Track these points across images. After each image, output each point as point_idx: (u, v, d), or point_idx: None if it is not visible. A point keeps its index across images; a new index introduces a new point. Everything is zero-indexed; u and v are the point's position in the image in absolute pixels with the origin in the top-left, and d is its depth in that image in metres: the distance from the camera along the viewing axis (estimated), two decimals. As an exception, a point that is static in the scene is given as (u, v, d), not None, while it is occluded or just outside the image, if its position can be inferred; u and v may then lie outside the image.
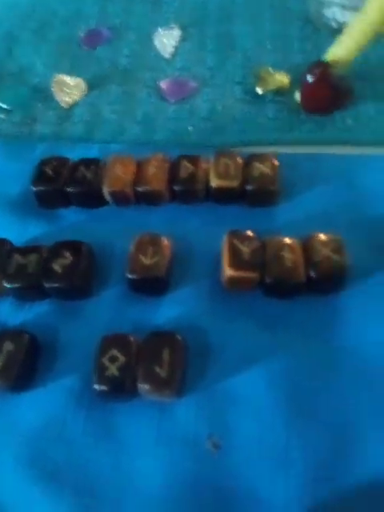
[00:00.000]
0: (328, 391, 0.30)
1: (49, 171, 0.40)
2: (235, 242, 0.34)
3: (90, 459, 0.29)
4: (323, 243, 0.33)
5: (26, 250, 0.35)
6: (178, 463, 0.28)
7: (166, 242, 0.35)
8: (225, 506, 0.27)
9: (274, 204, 0.39)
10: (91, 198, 0.39)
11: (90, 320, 0.34)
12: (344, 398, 0.29)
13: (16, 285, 0.34)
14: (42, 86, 0.51)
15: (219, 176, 0.38)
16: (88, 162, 0.40)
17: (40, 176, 0.40)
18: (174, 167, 0.39)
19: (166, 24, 0.56)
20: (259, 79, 0.48)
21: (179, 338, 0.30)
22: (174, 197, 0.39)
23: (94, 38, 0.56)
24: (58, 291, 0.34)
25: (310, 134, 0.44)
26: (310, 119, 0.44)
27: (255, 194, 0.38)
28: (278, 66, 0.49)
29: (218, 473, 0.28)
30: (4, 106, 0.49)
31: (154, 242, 0.35)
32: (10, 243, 0.36)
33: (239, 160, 0.39)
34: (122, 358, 0.30)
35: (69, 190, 0.39)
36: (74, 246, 0.35)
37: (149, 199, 0.39)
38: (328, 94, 0.44)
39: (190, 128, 0.45)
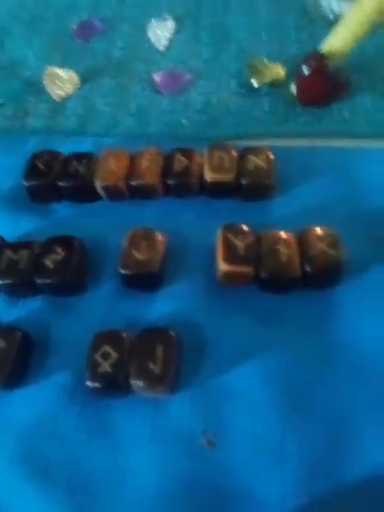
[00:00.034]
0: (324, 386, 0.29)
1: (40, 165, 0.39)
2: (230, 236, 0.33)
3: (83, 456, 0.28)
4: (319, 237, 0.33)
5: (17, 246, 0.35)
6: (172, 460, 0.28)
7: (159, 236, 0.34)
8: (220, 502, 0.27)
9: (270, 198, 0.38)
10: (84, 192, 0.39)
11: (83, 316, 0.34)
12: (340, 392, 0.29)
13: (7, 281, 0.34)
14: (34, 79, 0.50)
15: (213, 169, 0.37)
16: (80, 156, 0.39)
17: (31, 170, 0.39)
18: (167, 161, 0.39)
19: (159, 15, 0.55)
20: (254, 71, 0.47)
21: (172, 333, 0.30)
22: (168, 191, 0.39)
23: (86, 30, 0.55)
24: (50, 287, 0.34)
25: (306, 126, 0.43)
26: (306, 111, 0.44)
27: (250, 188, 0.37)
28: (273, 58, 0.48)
29: (213, 469, 0.27)
30: (-4, 100, 0.48)
31: (148, 236, 0.34)
32: (2, 239, 0.36)
33: (234, 153, 0.38)
34: (114, 355, 0.29)
35: (61, 184, 0.38)
36: (66, 242, 0.35)
37: (142, 193, 0.39)
38: (324, 85, 0.44)
39: (184, 121, 0.45)
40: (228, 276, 0.33)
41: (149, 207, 0.39)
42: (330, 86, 0.44)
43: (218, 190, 0.38)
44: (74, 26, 0.55)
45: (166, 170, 0.38)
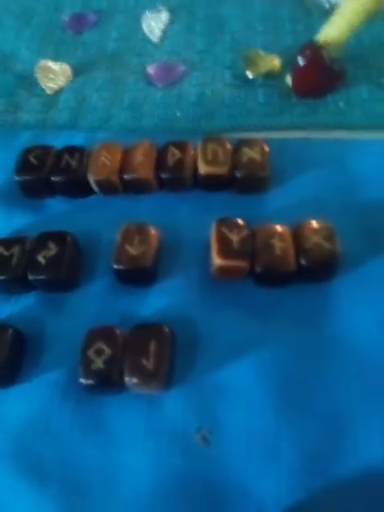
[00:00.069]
0: (319, 381, 0.29)
1: (33, 160, 0.38)
2: (224, 230, 0.33)
3: (76, 453, 0.28)
4: (314, 230, 0.32)
5: (9, 242, 0.34)
6: (166, 456, 0.28)
7: (153, 231, 0.34)
8: (214, 498, 0.26)
9: (265, 190, 0.38)
10: (77, 186, 0.38)
11: (77, 312, 0.33)
12: (335, 387, 0.29)
13: (0, 277, 0.33)
14: (26, 73, 0.49)
15: (207, 162, 0.37)
16: (73, 150, 0.39)
17: (23, 165, 0.38)
18: (161, 154, 0.38)
19: (153, 7, 0.54)
20: (249, 62, 0.47)
21: (166, 329, 0.30)
22: (162, 185, 0.38)
23: (79, 22, 0.54)
24: (43, 283, 0.33)
25: (302, 117, 0.42)
26: (302, 103, 0.43)
27: (245, 181, 0.37)
28: (268, 49, 0.48)
29: (208, 465, 0.27)
30: (-13, 95, 0.48)
31: (141, 231, 0.34)
32: (-6, 234, 0.36)
33: (228, 146, 0.38)
34: (107, 351, 0.29)
35: (53, 178, 0.38)
36: (59, 237, 0.34)
37: (136, 187, 0.38)
38: (320, 76, 0.43)
39: (178, 114, 0.44)
40: (222, 270, 0.32)
41: (142, 201, 0.38)
42: (325, 77, 0.43)
43: (212, 183, 0.38)
44: (66, 18, 0.55)
45: (160, 164, 0.37)
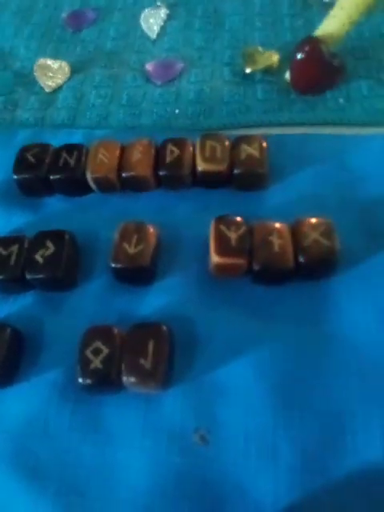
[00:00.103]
0: (318, 379, 0.29)
1: (30, 158, 0.38)
2: (222, 227, 0.33)
3: (74, 453, 0.28)
4: (313, 227, 0.32)
5: (7, 241, 0.34)
6: (164, 456, 0.28)
7: (151, 229, 0.34)
8: (213, 498, 0.26)
9: (263, 187, 0.37)
10: (75, 185, 0.38)
11: (75, 312, 0.33)
12: (334, 385, 0.29)
13: (-2, 277, 0.33)
14: (25, 71, 0.49)
15: (205, 160, 0.36)
16: (70, 148, 0.39)
17: (21, 163, 0.38)
18: (159, 152, 0.38)
19: (152, 3, 0.54)
20: (248, 59, 0.46)
21: (164, 328, 0.30)
22: (160, 182, 0.38)
23: (78, 20, 0.54)
24: (41, 282, 0.33)
25: (301, 114, 0.42)
26: (301, 99, 0.43)
27: (243, 178, 0.36)
28: (267, 45, 0.47)
29: (206, 465, 0.27)
30: (-15, 93, 0.48)
31: (139, 229, 0.34)
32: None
33: (226, 143, 0.37)
34: (105, 351, 0.29)
35: (51, 177, 0.38)
36: (57, 236, 0.34)
37: (134, 185, 0.38)
38: (318, 71, 0.43)
39: (176, 111, 0.44)
40: (220, 268, 0.32)
41: (141, 199, 0.38)
42: (324, 72, 0.43)
43: (210, 181, 0.37)
44: (65, 15, 0.54)
45: (158, 162, 0.37)
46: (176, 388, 0.29)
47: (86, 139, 0.41)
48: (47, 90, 0.47)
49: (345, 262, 0.32)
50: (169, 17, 0.53)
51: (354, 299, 0.32)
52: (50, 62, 0.49)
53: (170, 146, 0.38)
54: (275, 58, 0.46)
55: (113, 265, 0.32)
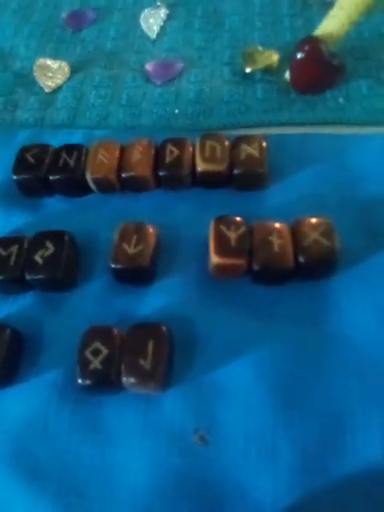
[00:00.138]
0: (318, 379, 0.29)
1: (30, 159, 0.38)
2: (222, 228, 0.32)
3: (74, 453, 0.28)
4: (312, 227, 0.32)
5: (7, 241, 0.34)
6: (164, 456, 0.28)
7: (151, 229, 0.34)
8: (212, 498, 0.26)
9: (263, 187, 0.37)
10: (75, 185, 0.38)
11: (75, 312, 0.33)
12: (334, 385, 0.29)
13: (-3, 277, 0.33)
14: (25, 71, 0.49)
15: (205, 160, 0.36)
16: (70, 149, 0.39)
17: (21, 164, 0.38)
18: (159, 152, 0.38)
19: (151, 3, 0.54)
20: (248, 58, 0.46)
21: (164, 329, 0.30)
22: (160, 183, 0.38)
23: (77, 20, 0.54)
24: (41, 283, 0.33)
25: (301, 113, 0.42)
26: (300, 99, 0.43)
27: (243, 178, 0.36)
28: (267, 45, 0.47)
29: (205, 465, 0.27)
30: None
31: (139, 230, 0.34)
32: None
33: (226, 142, 0.37)
34: (105, 351, 0.29)
35: (51, 177, 0.38)
36: (57, 236, 0.34)
37: (134, 186, 0.38)
38: (318, 71, 0.43)
39: (176, 111, 0.44)
40: (220, 268, 0.32)
41: (140, 200, 0.38)
42: (324, 72, 0.43)
43: (210, 181, 0.37)
44: (65, 15, 0.54)
45: (158, 162, 0.37)
46: (175, 388, 0.29)
47: (85, 139, 0.41)
48: (47, 90, 0.47)
49: (345, 261, 0.32)
50: (169, 17, 0.53)
51: (354, 299, 0.31)
52: (49, 62, 0.49)
53: (169, 146, 0.38)
54: (275, 57, 0.46)
55: (112, 265, 0.32)
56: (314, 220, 0.32)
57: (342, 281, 0.32)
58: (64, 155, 0.38)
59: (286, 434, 0.27)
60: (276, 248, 0.31)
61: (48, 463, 0.28)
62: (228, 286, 0.33)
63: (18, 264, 0.33)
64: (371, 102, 0.42)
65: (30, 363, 0.31)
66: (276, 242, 0.32)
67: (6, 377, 0.30)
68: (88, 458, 0.28)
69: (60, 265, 0.33)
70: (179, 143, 0.38)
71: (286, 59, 0.44)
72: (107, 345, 0.29)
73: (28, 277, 0.33)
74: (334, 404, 0.28)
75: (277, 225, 0.33)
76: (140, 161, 0.37)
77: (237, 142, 0.37)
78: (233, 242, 0.32)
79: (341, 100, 0.42)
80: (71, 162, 0.38)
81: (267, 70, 0.45)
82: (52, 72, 0.48)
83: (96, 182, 0.37)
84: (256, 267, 0.31)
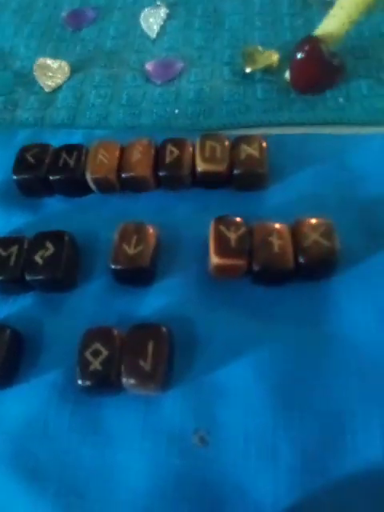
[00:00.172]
0: (318, 379, 0.29)
1: (30, 158, 0.38)
2: (222, 228, 0.32)
3: (74, 454, 0.28)
4: (313, 227, 0.32)
5: (7, 242, 0.34)
6: (164, 457, 0.28)
7: (150, 230, 0.34)
8: (212, 499, 0.26)
9: (263, 187, 0.37)
10: (75, 185, 0.38)
11: (75, 313, 0.33)
12: (334, 385, 0.29)
13: (-3, 278, 0.33)
14: (25, 71, 0.49)
15: (205, 160, 0.36)
16: (70, 148, 0.39)
17: (21, 164, 0.38)
18: (159, 152, 0.38)
19: (151, 2, 0.54)
20: (248, 58, 0.46)
21: (164, 330, 0.30)
22: (160, 183, 0.38)
23: (77, 19, 0.54)
24: (41, 283, 0.33)
25: (301, 113, 0.42)
26: (300, 98, 0.43)
27: (243, 178, 0.36)
28: (267, 44, 0.47)
29: (205, 466, 0.27)
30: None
31: (139, 230, 0.34)
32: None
33: (226, 143, 0.37)
34: (105, 352, 0.29)
35: (51, 177, 0.37)
36: (57, 237, 0.34)
37: (134, 186, 0.38)
38: (318, 71, 0.43)
39: (176, 111, 0.44)
40: (220, 269, 0.32)
41: (140, 200, 0.38)
42: (324, 71, 0.43)
43: (210, 181, 0.37)
44: (65, 14, 0.54)
45: (158, 162, 0.37)
46: (175, 389, 0.29)
47: (85, 139, 0.41)
48: (47, 90, 0.47)
49: (345, 261, 0.32)
50: (169, 16, 0.53)
51: (354, 299, 0.31)
52: (49, 61, 0.49)
53: (169, 147, 0.38)
54: (275, 57, 0.46)
55: (112, 266, 0.32)
56: (314, 220, 0.32)
57: (342, 281, 0.32)
58: (64, 155, 0.38)
59: (286, 435, 0.27)
60: (276, 248, 0.31)
61: (48, 464, 0.28)
62: (228, 286, 0.33)
63: (18, 264, 0.33)
64: (371, 102, 0.42)
65: (30, 364, 0.31)
66: (276, 242, 0.32)
67: (6, 377, 0.30)
68: (88, 459, 0.28)
69: (60, 265, 0.33)
70: (179, 143, 0.38)
71: (286, 59, 0.44)
72: (107, 346, 0.29)
73: (28, 277, 0.33)
74: (334, 404, 0.28)
75: (277, 225, 0.33)
76: (140, 161, 0.37)
77: (237, 142, 0.37)
78: (233, 243, 0.32)
79: (341, 100, 0.42)
80: (71, 162, 0.38)
81: (267, 70, 0.45)
82: (52, 71, 0.48)
83: (96, 182, 0.37)
84: (256, 268, 0.31)
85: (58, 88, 0.47)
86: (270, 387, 0.29)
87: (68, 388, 0.30)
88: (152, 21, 0.53)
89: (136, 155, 0.38)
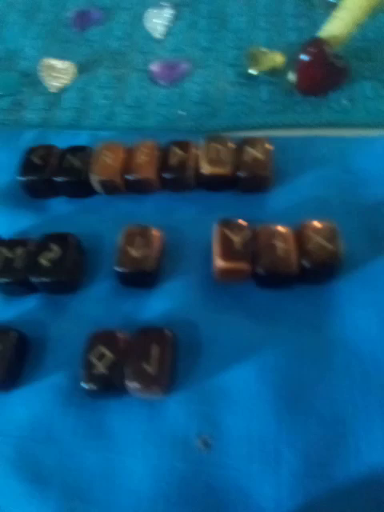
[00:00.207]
0: (321, 384, 0.29)
1: (36, 160, 0.38)
2: (226, 231, 0.33)
3: (78, 458, 0.28)
4: (316, 231, 0.32)
5: (12, 243, 0.34)
6: (167, 461, 0.28)
7: (155, 233, 0.34)
8: (215, 503, 0.26)
9: (268, 190, 0.37)
10: (80, 187, 0.38)
11: (79, 315, 0.33)
12: (337, 390, 0.29)
13: (3, 280, 0.33)
14: (30, 71, 0.49)
15: (210, 162, 0.36)
16: (76, 150, 0.39)
17: (27, 165, 0.38)
18: (164, 154, 0.38)
19: (157, 3, 0.54)
20: (253, 60, 0.46)
21: (168, 333, 0.30)
22: (165, 185, 0.38)
23: (83, 20, 0.54)
24: (46, 286, 0.33)
25: (305, 115, 0.42)
26: (305, 100, 0.43)
27: (247, 181, 0.36)
28: (272, 46, 0.47)
29: (209, 470, 0.27)
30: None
31: (143, 233, 0.34)
32: (-3, 236, 0.36)
33: (231, 145, 0.37)
34: (109, 355, 0.29)
35: (56, 179, 0.38)
36: (62, 239, 0.34)
37: (139, 188, 0.38)
38: (323, 72, 0.43)
39: (181, 112, 0.44)
40: (224, 272, 0.32)
41: (145, 201, 0.38)
42: (329, 73, 0.43)
43: (215, 183, 0.37)
44: (71, 15, 0.54)
45: (163, 164, 0.37)
46: (179, 393, 0.29)
47: (91, 140, 0.41)
48: (52, 91, 0.47)
49: (349, 265, 0.32)
50: (174, 17, 0.53)
51: (358, 304, 0.32)
52: (55, 62, 0.49)
53: (174, 149, 0.38)
54: (279, 59, 0.46)
55: (117, 269, 0.32)
56: (318, 224, 0.32)
57: (346, 285, 0.32)
58: (69, 157, 0.38)
59: (289, 439, 0.27)
60: (280, 252, 0.31)
61: (52, 467, 0.28)
62: (232, 289, 0.33)
63: (24, 267, 0.33)
64: (375, 104, 0.42)
65: (35, 366, 0.31)
66: (280, 246, 0.32)
67: (11, 380, 0.31)
68: (92, 463, 0.28)
69: (65, 268, 0.33)
70: (184, 145, 0.38)
71: (291, 60, 0.44)
72: (111, 349, 0.29)
73: (33, 280, 0.33)
74: (338, 409, 0.28)
75: (281, 229, 0.33)
76: (145, 163, 0.37)
77: (241, 145, 0.37)
78: (237, 246, 0.32)
79: (345, 102, 0.42)
80: (77, 164, 0.38)
81: (272, 72, 0.45)
82: (57, 72, 0.48)
83: (101, 183, 0.38)
84: (260, 271, 0.31)
85: (64, 89, 0.47)
86: (274, 391, 0.29)
87: (72, 391, 0.30)
88: (157, 22, 0.53)
89: (141, 157, 0.38)
